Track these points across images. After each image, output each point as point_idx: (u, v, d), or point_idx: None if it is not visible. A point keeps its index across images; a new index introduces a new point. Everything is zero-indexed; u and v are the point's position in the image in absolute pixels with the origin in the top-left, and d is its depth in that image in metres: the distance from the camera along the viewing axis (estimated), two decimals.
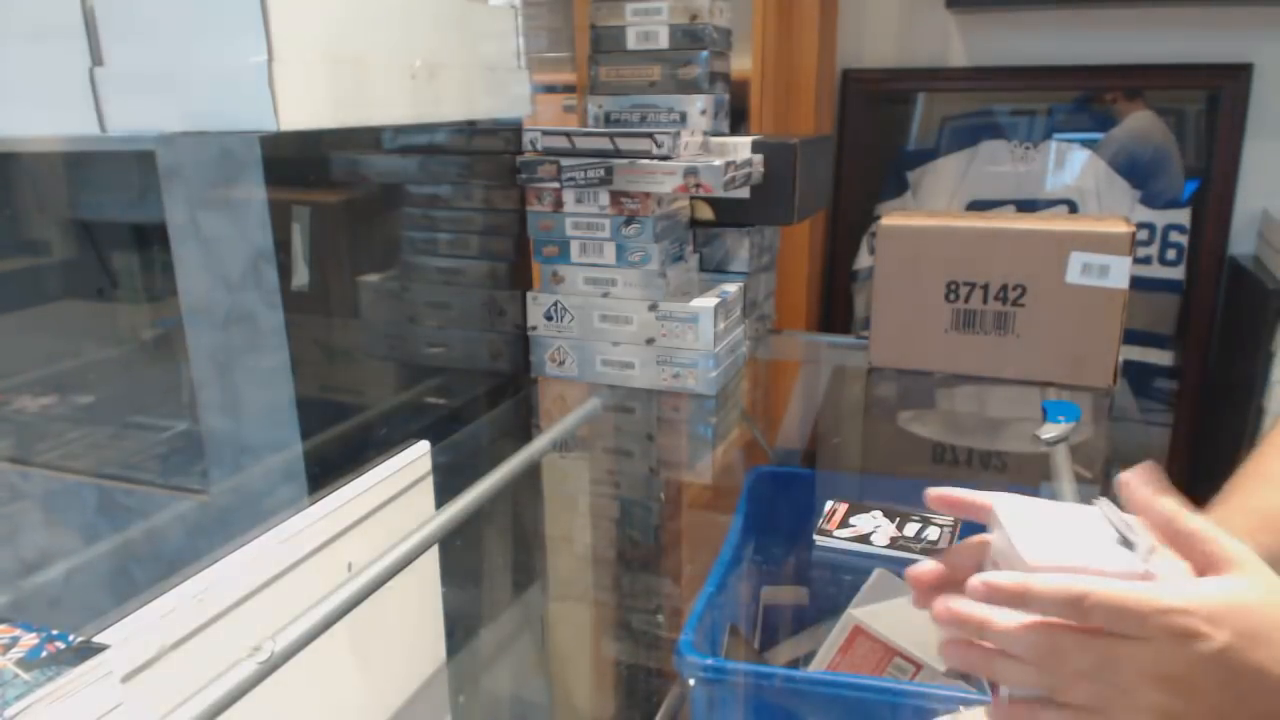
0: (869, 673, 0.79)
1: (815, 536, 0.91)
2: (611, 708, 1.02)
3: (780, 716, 0.70)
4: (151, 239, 0.94)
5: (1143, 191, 1.73)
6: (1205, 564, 0.44)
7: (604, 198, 0.94)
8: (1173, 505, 0.47)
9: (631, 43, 1.03)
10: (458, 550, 0.81)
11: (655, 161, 0.90)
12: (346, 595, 0.58)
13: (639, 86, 1.04)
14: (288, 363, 0.69)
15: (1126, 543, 0.46)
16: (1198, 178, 1.75)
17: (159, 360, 0.97)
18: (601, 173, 0.92)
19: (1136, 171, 1.73)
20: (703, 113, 1.03)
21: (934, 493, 0.52)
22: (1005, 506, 0.49)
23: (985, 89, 1.85)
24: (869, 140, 1.93)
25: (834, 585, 0.91)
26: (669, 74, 1.03)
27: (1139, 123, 1.75)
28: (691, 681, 0.70)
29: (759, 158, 1.01)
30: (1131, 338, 1.71)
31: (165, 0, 0.64)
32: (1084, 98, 1.79)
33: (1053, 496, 0.83)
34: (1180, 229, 1.72)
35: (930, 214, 1.13)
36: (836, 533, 0.91)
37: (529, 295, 1.00)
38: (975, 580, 0.44)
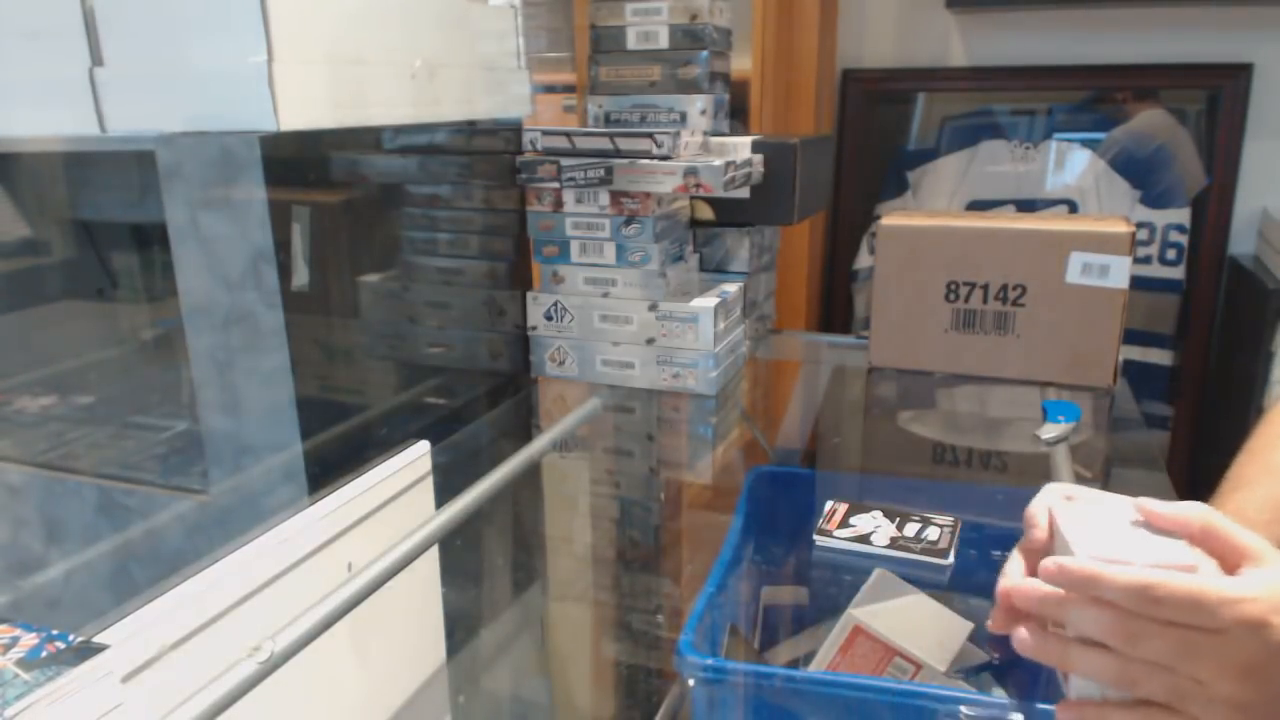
0: (869, 673, 0.79)
1: (815, 536, 0.91)
2: (611, 708, 1.02)
3: (780, 716, 0.70)
4: (151, 239, 0.94)
5: (1143, 191, 1.73)
6: (1234, 557, 0.45)
7: (604, 198, 0.94)
8: (1191, 505, 0.47)
9: (631, 43, 1.03)
10: (458, 550, 0.81)
11: (655, 161, 0.90)
12: (346, 595, 0.58)
13: (639, 86, 1.04)
14: (288, 363, 0.69)
15: (1168, 536, 0.46)
16: (1210, 176, 1.74)
17: (159, 360, 0.97)
18: (601, 173, 0.92)
19: (1137, 171, 1.73)
20: (703, 113, 1.03)
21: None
22: (1058, 504, 0.50)
23: (985, 89, 1.85)
24: (869, 140, 1.93)
25: (834, 585, 0.91)
26: (669, 74, 1.03)
27: (1143, 122, 1.75)
28: (691, 682, 0.70)
29: (759, 158, 1.01)
30: (1131, 338, 1.71)
31: (165, 0, 0.64)
32: (1094, 97, 1.79)
33: None
34: (1180, 229, 1.72)
35: (930, 214, 1.13)
36: (836, 533, 0.90)
37: (529, 295, 1.00)
38: (1048, 562, 0.45)
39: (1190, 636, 0.42)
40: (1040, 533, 0.50)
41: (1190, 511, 0.47)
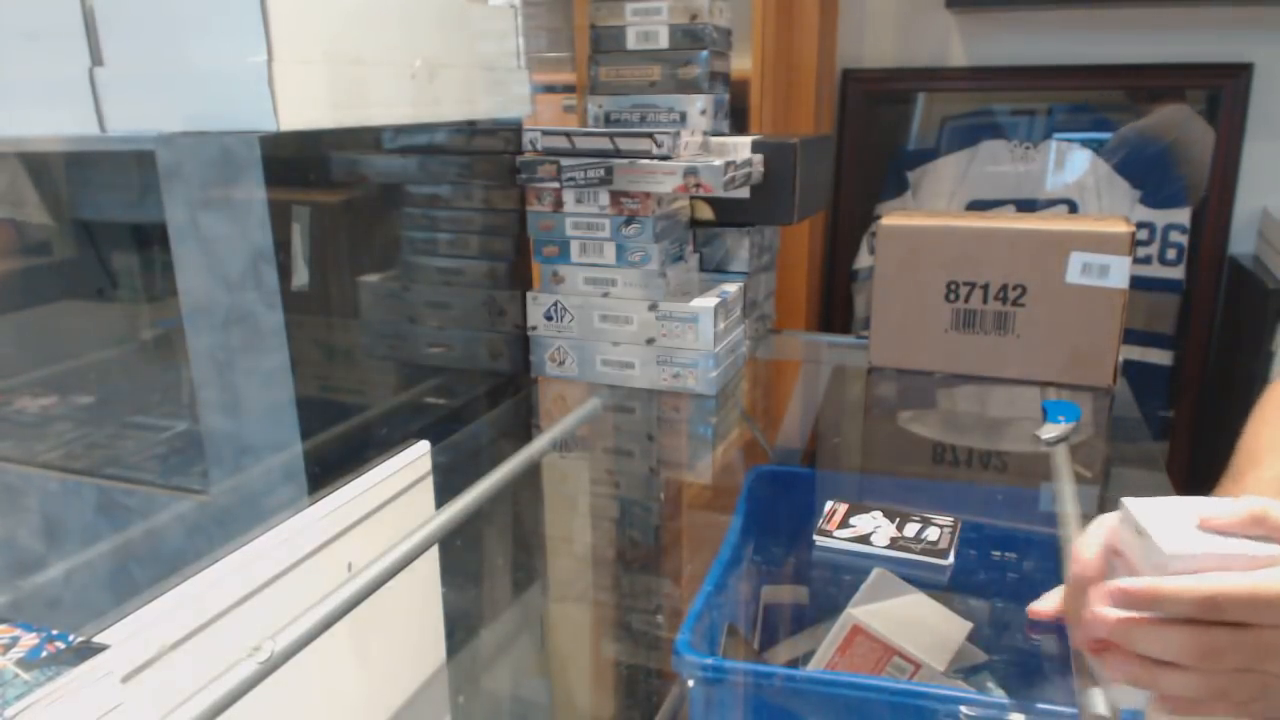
0: (868, 672, 0.79)
1: (815, 536, 0.91)
2: (611, 708, 1.02)
3: (779, 716, 0.70)
4: (151, 239, 0.94)
5: (1147, 191, 1.73)
6: None
7: (604, 198, 0.94)
8: (1248, 499, 0.47)
9: (631, 43, 1.03)
10: (458, 550, 0.81)
11: (655, 161, 0.90)
12: (346, 595, 0.58)
13: (639, 86, 1.04)
14: (288, 363, 0.69)
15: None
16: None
17: (159, 360, 0.97)
18: (601, 173, 0.92)
19: (1144, 170, 1.73)
20: (703, 113, 1.03)
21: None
22: (1136, 506, 0.49)
23: (985, 89, 1.85)
24: (869, 140, 1.93)
25: (834, 585, 0.91)
26: (669, 74, 1.03)
27: (1157, 119, 1.75)
28: (690, 681, 0.70)
29: (759, 158, 1.01)
30: (1131, 338, 1.71)
31: (165, 0, 0.64)
32: (1113, 98, 1.78)
33: (1053, 497, 0.83)
34: (1180, 229, 1.72)
35: (930, 214, 1.13)
36: (836, 533, 0.90)
37: (529, 295, 1.00)
38: (1111, 586, 0.45)
39: (1262, 637, 0.43)
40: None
41: (1250, 507, 0.47)
